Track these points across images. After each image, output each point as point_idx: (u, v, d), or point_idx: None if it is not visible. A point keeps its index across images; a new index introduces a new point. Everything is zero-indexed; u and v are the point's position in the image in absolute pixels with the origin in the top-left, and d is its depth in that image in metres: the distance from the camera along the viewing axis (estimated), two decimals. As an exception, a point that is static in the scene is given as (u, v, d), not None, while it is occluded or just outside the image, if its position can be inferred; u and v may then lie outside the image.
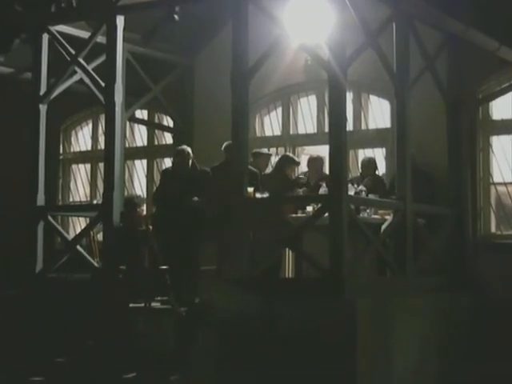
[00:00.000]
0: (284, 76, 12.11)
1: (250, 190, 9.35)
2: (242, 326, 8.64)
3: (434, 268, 10.19)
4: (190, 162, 10.92)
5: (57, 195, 14.52)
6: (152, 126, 13.99)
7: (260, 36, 9.39)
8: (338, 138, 8.63)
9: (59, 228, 11.30)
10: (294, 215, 10.09)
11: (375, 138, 12.13)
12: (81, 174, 14.72)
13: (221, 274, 9.83)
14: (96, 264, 10.48)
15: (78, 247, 10.49)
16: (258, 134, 13.05)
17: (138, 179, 14.05)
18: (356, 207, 9.61)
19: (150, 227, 10.41)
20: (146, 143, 14.13)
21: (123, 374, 9.27)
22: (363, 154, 12.14)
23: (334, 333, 8.28)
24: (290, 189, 10.58)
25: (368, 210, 10.21)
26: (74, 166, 14.82)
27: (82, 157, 14.70)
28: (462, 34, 10.25)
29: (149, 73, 12.47)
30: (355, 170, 11.90)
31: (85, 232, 10.85)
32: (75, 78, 10.99)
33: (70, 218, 14.41)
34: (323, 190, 10.22)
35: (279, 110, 12.95)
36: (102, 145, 13.08)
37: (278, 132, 12.94)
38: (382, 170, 11.83)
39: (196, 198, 10.51)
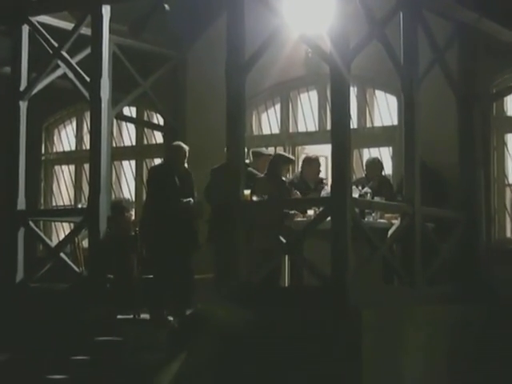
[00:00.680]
0: (283, 70, 12.03)
1: (247, 192, 9.35)
2: (238, 338, 8.62)
3: (445, 276, 10.18)
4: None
5: (38, 199, 14.47)
6: (141, 124, 13.94)
7: (257, 26, 9.36)
8: (341, 136, 8.61)
9: (41, 234, 11.26)
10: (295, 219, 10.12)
11: (381, 136, 12.10)
12: (64, 175, 14.69)
13: (217, 283, 9.71)
14: (81, 272, 10.46)
15: (62, 255, 10.44)
16: (255, 132, 12.96)
17: (126, 181, 14.00)
18: (361, 211, 9.56)
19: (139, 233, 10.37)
20: (134, 142, 14.06)
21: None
22: (368, 153, 12.11)
23: (337, 347, 8.22)
24: (287, 194, 10.43)
25: (373, 214, 10.15)
26: (57, 168, 14.75)
27: (65, 157, 14.65)
28: (474, 23, 10.20)
29: (137, 67, 12.37)
30: (359, 171, 11.84)
31: (69, 238, 10.85)
32: (58, 72, 10.94)
33: (52, 224, 14.36)
34: (325, 192, 10.21)
35: (278, 106, 12.91)
36: (87, 144, 13.14)
37: (276, 130, 12.91)
38: (388, 170, 11.76)
39: (192, 200, 10.32)
